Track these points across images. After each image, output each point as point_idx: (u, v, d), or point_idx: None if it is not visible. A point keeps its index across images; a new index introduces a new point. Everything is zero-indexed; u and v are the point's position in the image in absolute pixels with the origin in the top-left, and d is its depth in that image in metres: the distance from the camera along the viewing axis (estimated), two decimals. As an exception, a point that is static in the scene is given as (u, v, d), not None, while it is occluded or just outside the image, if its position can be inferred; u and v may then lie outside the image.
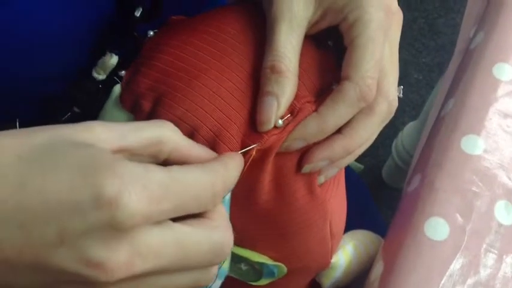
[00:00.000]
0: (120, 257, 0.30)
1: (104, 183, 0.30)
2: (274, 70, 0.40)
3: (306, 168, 0.42)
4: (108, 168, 0.30)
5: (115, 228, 0.30)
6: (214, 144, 0.40)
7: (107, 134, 0.33)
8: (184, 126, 0.40)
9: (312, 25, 0.43)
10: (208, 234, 0.34)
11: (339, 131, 0.42)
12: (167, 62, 0.42)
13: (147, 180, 0.31)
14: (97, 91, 0.47)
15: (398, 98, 0.45)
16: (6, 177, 0.30)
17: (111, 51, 0.45)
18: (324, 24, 0.43)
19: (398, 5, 0.43)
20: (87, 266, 0.30)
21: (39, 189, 0.30)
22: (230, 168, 0.36)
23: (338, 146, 0.42)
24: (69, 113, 0.47)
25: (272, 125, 0.40)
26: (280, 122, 0.40)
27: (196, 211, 0.34)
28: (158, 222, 0.32)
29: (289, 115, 0.41)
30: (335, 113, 0.41)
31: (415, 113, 1.25)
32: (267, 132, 0.40)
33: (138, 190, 0.30)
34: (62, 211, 0.30)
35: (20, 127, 0.47)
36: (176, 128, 0.36)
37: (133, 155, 0.34)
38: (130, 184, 0.30)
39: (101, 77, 0.46)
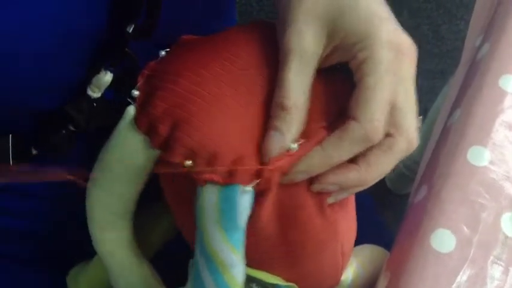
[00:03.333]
0: None
1: None
2: (282, 107, 0.41)
3: (316, 187, 0.42)
4: None
5: None
6: (233, 170, 0.40)
7: None
8: (203, 152, 0.40)
9: (322, 60, 0.43)
10: None
11: (354, 161, 0.42)
12: (184, 87, 0.42)
13: None
14: (92, 109, 0.46)
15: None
16: None
17: (106, 69, 0.45)
18: (333, 60, 0.43)
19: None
20: None
21: None
22: None
23: (352, 175, 0.42)
24: (64, 131, 0.47)
25: (272, 156, 0.41)
26: (295, 146, 0.41)
27: None
28: None
29: (303, 140, 0.41)
30: (339, 150, 0.41)
31: (419, 119, 1.25)
32: (281, 155, 0.41)
33: None
34: None
35: (12, 142, 0.48)
36: None
37: None
38: None
39: (96, 94, 0.46)
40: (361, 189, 0.44)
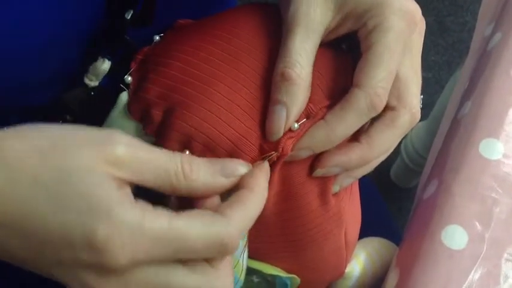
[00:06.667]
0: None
1: (98, 228, 0.31)
2: (285, 77, 0.39)
3: (318, 172, 0.41)
4: (107, 214, 0.32)
5: (102, 268, 0.32)
6: (234, 153, 0.38)
7: (127, 164, 0.33)
8: (201, 136, 0.38)
9: (329, 31, 0.41)
10: (206, 280, 0.34)
11: (356, 139, 0.41)
12: (178, 69, 0.40)
13: (141, 232, 0.32)
14: (89, 98, 0.45)
15: None
16: (20, 197, 0.32)
17: (104, 57, 0.44)
18: (342, 30, 0.41)
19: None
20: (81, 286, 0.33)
21: (43, 217, 0.32)
22: (249, 207, 0.36)
23: (354, 154, 0.40)
24: (61, 121, 0.46)
25: (281, 135, 0.39)
26: (296, 125, 0.39)
27: (199, 260, 0.34)
28: (154, 262, 0.33)
29: (305, 119, 0.39)
30: (343, 122, 0.39)
31: (424, 112, 1.24)
32: (283, 136, 0.39)
33: (128, 241, 0.32)
34: (59, 242, 0.32)
35: None
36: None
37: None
38: (122, 235, 0.32)
39: (93, 83, 0.45)
40: (365, 171, 0.43)
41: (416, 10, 0.41)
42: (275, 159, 0.39)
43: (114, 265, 0.32)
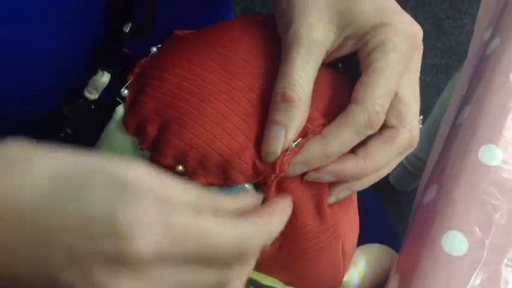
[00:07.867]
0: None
1: (121, 214, 0.29)
2: (285, 98, 0.38)
3: (311, 175, 0.40)
4: (133, 200, 0.29)
5: (122, 260, 0.29)
6: (226, 170, 0.38)
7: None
8: (194, 152, 0.38)
9: (330, 52, 0.41)
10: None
11: (354, 152, 0.40)
12: (173, 84, 0.40)
13: (166, 222, 0.30)
14: (90, 111, 0.45)
15: None
16: (33, 191, 0.30)
17: (103, 70, 0.44)
18: (344, 51, 0.41)
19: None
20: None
21: (60, 212, 0.29)
22: (272, 222, 0.35)
23: (349, 164, 0.40)
24: (62, 134, 0.46)
25: (278, 155, 0.38)
26: (293, 145, 0.39)
27: (218, 266, 0.32)
28: (173, 263, 0.31)
29: (301, 139, 0.39)
30: (339, 137, 0.39)
31: (423, 116, 1.24)
32: (279, 156, 0.39)
33: (153, 231, 0.29)
34: (76, 232, 0.29)
35: None
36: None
37: None
38: (147, 223, 0.29)
39: (93, 96, 0.45)
40: (362, 185, 0.43)
41: (419, 33, 0.41)
42: (272, 178, 0.39)
43: (134, 257, 0.29)
